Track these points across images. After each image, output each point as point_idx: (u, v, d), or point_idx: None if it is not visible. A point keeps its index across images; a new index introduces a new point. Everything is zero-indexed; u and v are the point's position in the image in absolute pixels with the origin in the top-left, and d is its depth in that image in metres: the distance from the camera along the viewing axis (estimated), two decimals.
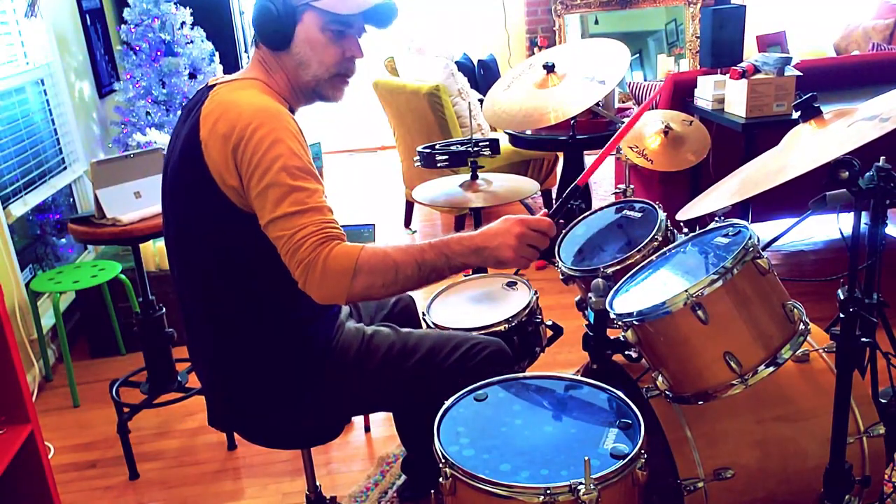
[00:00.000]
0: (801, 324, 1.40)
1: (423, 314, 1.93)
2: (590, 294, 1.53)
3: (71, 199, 3.76)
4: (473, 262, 1.42)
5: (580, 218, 2.05)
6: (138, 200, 2.31)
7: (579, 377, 1.45)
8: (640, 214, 1.92)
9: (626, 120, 2.41)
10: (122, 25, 3.81)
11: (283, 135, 1.37)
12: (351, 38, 1.50)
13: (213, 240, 1.45)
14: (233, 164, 1.37)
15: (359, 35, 1.52)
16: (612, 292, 1.56)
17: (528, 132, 3.67)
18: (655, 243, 1.74)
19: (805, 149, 1.35)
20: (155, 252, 3.15)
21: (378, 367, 1.58)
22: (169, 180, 1.50)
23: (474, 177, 2.21)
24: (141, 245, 2.42)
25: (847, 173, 1.28)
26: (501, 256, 1.40)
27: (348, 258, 1.34)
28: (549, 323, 1.98)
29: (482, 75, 5.75)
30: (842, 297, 1.36)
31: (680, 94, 3.25)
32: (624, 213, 1.97)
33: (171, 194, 1.50)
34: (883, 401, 1.76)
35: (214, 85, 1.47)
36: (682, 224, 1.70)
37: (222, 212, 1.40)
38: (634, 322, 1.43)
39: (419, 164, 2.45)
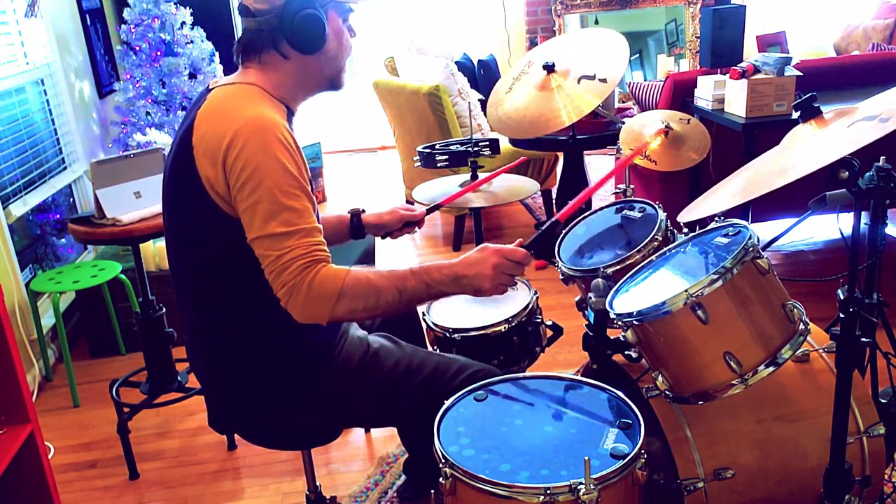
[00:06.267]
0: (801, 324, 1.40)
1: (424, 314, 1.93)
2: (590, 294, 1.53)
3: (71, 199, 3.76)
4: (452, 290, 1.46)
5: (580, 218, 2.05)
6: (138, 200, 2.31)
7: (579, 377, 1.45)
8: (640, 214, 1.92)
9: (626, 120, 2.41)
10: (122, 25, 3.81)
11: (276, 149, 1.35)
12: (349, 21, 1.54)
13: (207, 243, 1.45)
14: (222, 172, 1.36)
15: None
16: (612, 292, 1.56)
17: None
18: (655, 243, 1.74)
19: (806, 149, 1.35)
20: (155, 252, 3.15)
21: (381, 383, 1.58)
22: (165, 182, 1.50)
23: (474, 177, 2.20)
24: (141, 245, 2.42)
25: (847, 173, 1.28)
26: (478, 285, 1.44)
27: (333, 282, 1.36)
28: (549, 323, 1.98)
29: (482, 75, 5.75)
30: (842, 297, 1.36)
31: (680, 94, 3.25)
32: (624, 213, 1.97)
33: (167, 197, 1.50)
34: (883, 401, 1.76)
35: (213, 88, 1.47)
36: (682, 224, 1.70)
37: (213, 217, 1.40)
38: (634, 322, 1.43)
39: (419, 164, 2.44)
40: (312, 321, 1.38)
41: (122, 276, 2.98)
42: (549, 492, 1.14)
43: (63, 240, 3.58)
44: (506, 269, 1.45)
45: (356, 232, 1.90)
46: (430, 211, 1.98)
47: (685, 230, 1.74)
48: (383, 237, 1.95)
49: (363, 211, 1.92)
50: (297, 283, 1.35)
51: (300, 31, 1.43)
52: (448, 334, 1.84)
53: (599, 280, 1.52)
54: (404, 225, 1.93)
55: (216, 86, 1.47)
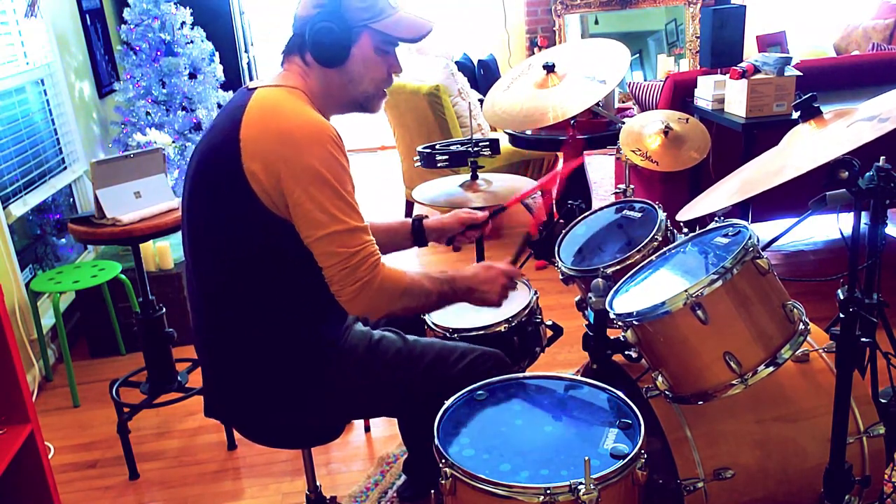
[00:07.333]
0: (801, 324, 1.40)
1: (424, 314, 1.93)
2: (590, 294, 1.54)
3: (71, 199, 3.76)
4: (464, 300, 1.64)
5: (580, 218, 2.05)
6: (138, 200, 2.31)
7: (579, 377, 1.45)
8: (640, 214, 1.93)
9: (626, 120, 2.41)
10: (122, 25, 3.81)
11: (333, 149, 1.40)
12: (393, 54, 1.55)
13: (230, 238, 1.46)
14: (275, 174, 1.37)
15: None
16: (611, 292, 1.56)
17: (528, 132, 3.67)
18: (655, 243, 1.74)
19: (805, 149, 1.35)
20: (155, 252, 3.15)
21: (383, 372, 1.59)
22: (193, 175, 1.50)
23: (474, 177, 2.21)
24: (141, 245, 2.42)
25: (847, 173, 1.28)
26: (488, 300, 1.64)
27: (399, 282, 1.47)
28: (549, 323, 1.98)
29: (482, 75, 5.76)
30: (842, 297, 1.36)
31: (680, 94, 3.25)
32: (624, 213, 1.97)
33: (196, 193, 1.50)
34: (883, 401, 1.76)
35: (255, 88, 1.48)
36: (682, 224, 1.70)
37: (246, 211, 1.41)
38: (634, 322, 1.43)
39: (419, 164, 2.45)
40: (369, 313, 1.50)
41: (122, 276, 2.98)
42: (549, 492, 1.14)
43: (63, 240, 3.58)
44: (509, 286, 1.67)
45: (418, 238, 1.91)
46: (493, 214, 1.96)
47: (685, 230, 1.74)
48: (447, 244, 1.95)
49: (426, 217, 1.93)
50: (371, 278, 1.41)
51: (316, 40, 1.46)
52: (448, 334, 1.84)
53: (599, 280, 1.53)
54: (467, 229, 1.92)
55: (257, 86, 1.49)
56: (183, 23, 3.86)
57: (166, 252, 3.14)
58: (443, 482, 1.22)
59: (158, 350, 2.44)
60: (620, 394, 1.37)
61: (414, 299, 1.50)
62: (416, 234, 1.90)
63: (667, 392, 1.47)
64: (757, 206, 3.15)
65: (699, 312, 1.35)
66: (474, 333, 1.83)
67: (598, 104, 2.38)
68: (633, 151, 2.23)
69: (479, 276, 1.62)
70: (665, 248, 1.66)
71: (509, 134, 3.82)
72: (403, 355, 1.60)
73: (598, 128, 3.59)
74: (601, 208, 2.05)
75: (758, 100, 2.75)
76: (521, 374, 1.49)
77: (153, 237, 2.30)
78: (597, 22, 6.34)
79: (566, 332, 2.01)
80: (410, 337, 1.68)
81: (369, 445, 2.49)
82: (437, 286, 1.54)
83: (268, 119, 1.40)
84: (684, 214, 1.60)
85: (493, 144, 2.31)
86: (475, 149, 2.27)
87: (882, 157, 1.33)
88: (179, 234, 2.49)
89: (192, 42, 3.89)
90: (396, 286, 1.46)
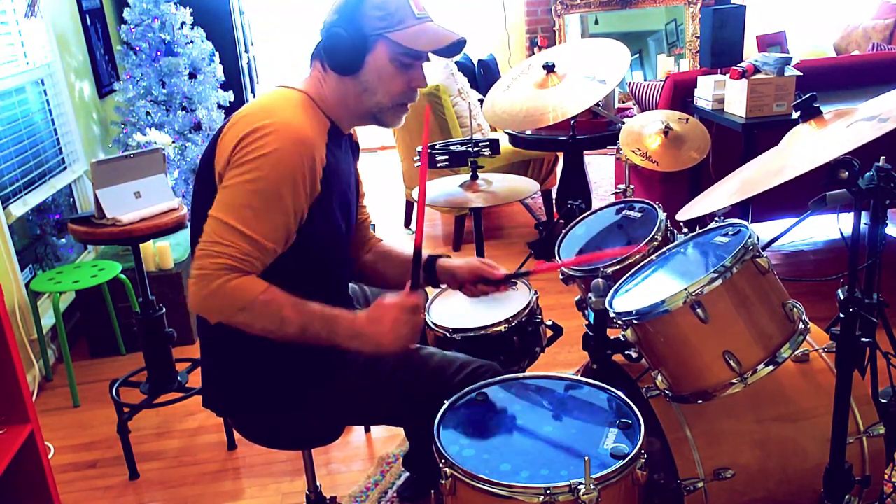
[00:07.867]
0: (801, 323, 1.40)
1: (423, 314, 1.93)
2: (590, 294, 1.53)
3: (71, 199, 3.76)
4: (352, 346, 1.42)
5: (580, 218, 2.05)
6: (138, 200, 2.30)
7: (579, 377, 1.45)
8: (640, 214, 1.93)
9: (626, 120, 2.41)
10: (122, 25, 3.81)
11: (286, 157, 1.35)
12: (418, 68, 1.52)
13: None
14: (227, 158, 1.38)
15: (423, 63, 1.54)
16: (611, 292, 1.56)
17: (528, 132, 3.67)
18: (655, 243, 1.74)
19: (805, 149, 1.35)
20: (155, 252, 3.15)
21: (385, 380, 1.58)
22: (196, 171, 1.53)
23: (474, 177, 2.21)
24: (141, 245, 2.42)
25: (847, 173, 1.28)
26: (378, 342, 1.40)
27: (244, 294, 1.35)
28: (549, 323, 1.98)
29: (482, 75, 5.75)
30: (842, 297, 1.36)
31: (680, 94, 3.25)
32: (624, 213, 1.97)
33: (194, 184, 1.53)
34: (883, 401, 1.76)
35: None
36: (682, 224, 1.70)
37: None
38: (634, 321, 1.43)
39: (419, 164, 2.44)
40: (201, 313, 1.39)
41: (122, 276, 2.98)
42: (549, 492, 1.14)
43: (63, 240, 3.58)
44: (404, 322, 1.41)
45: (430, 277, 1.75)
46: (508, 277, 1.69)
47: (685, 230, 1.74)
48: (459, 289, 1.76)
49: (444, 256, 1.77)
50: (211, 276, 1.34)
51: (329, 46, 1.44)
52: (448, 334, 1.84)
53: (599, 280, 1.53)
54: (479, 282, 1.70)
55: (278, 85, 1.51)
56: (183, 23, 3.86)
57: (166, 252, 3.15)
58: (443, 482, 1.22)
59: (158, 350, 2.44)
60: (620, 394, 1.37)
61: (259, 320, 1.36)
62: (429, 272, 1.76)
63: (666, 391, 1.47)
64: (757, 206, 3.15)
65: (699, 311, 1.35)
66: (474, 333, 1.83)
67: (598, 104, 2.39)
68: (633, 151, 2.23)
69: (369, 316, 1.41)
70: (665, 248, 1.66)
71: (509, 134, 3.82)
72: (405, 365, 1.58)
73: (598, 128, 3.59)
74: (601, 208, 2.05)
75: (758, 100, 2.75)
76: (521, 374, 1.49)
77: (153, 237, 2.30)
78: (597, 22, 6.34)
79: (566, 332, 2.01)
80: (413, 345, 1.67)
81: (369, 445, 2.49)
82: (305, 319, 1.38)
83: (247, 113, 1.41)
84: (684, 214, 1.60)
85: (493, 144, 2.31)
86: (475, 149, 2.27)
87: (882, 157, 1.33)
88: (179, 234, 2.50)
89: (192, 42, 3.89)
90: (238, 299, 1.34)
